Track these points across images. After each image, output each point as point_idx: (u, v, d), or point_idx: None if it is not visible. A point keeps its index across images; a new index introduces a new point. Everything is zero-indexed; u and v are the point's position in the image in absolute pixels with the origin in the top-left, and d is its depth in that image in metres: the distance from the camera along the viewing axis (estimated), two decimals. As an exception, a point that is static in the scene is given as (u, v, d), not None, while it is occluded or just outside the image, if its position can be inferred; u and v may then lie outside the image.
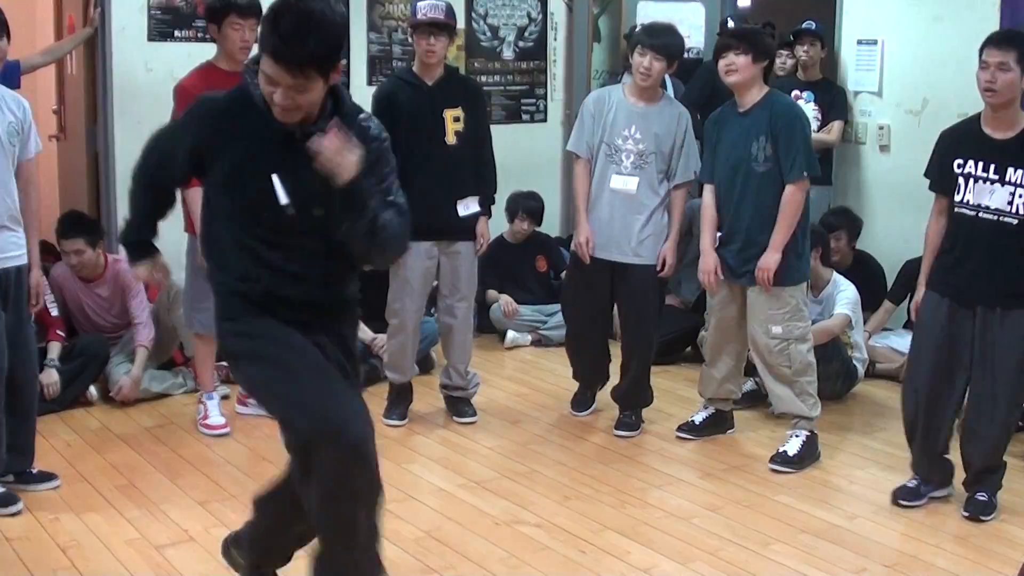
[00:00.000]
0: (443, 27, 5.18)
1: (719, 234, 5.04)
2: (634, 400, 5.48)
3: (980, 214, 4.29)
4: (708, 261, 5.04)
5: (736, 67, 4.86)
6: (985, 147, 4.29)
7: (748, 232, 4.92)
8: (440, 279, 5.45)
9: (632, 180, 5.16)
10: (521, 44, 7.57)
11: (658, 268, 5.23)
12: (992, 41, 4.25)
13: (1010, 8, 6.11)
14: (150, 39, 6.32)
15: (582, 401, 5.69)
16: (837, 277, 5.93)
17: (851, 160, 7.06)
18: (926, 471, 4.59)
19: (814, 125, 6.74)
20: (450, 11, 5.27)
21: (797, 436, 5.00)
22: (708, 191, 5.13)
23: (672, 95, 7.14)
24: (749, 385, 5.79)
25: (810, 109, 6.77)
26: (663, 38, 5.16)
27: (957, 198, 4.35)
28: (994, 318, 4.31)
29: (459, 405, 5.55)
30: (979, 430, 4.43)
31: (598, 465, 5.00)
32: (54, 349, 5.52)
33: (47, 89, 7.67)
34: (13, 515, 4.33)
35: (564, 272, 6.18)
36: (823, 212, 6.95)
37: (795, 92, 6.80)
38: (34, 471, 4.62)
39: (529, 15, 7.58)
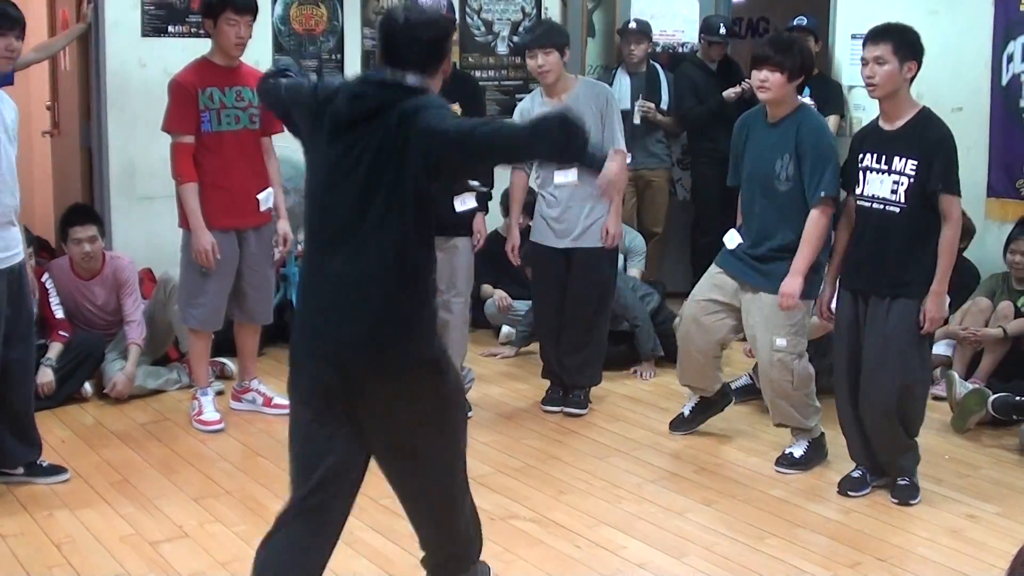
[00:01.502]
0: None
1: (739, 240, 4.92)
2: (585, 379, 5.63)
3: (873, 204, 4.40)
4: None
5: (769, 85, 4.68)
6: (878, 139, 4.42)
7: (769, 251, 4.80)
8: (437, 275, 5.44)
9: (572, 172, 5.35)
10: (515, 39, 7.56)
11: (601, 239, 5.43)
12: (868, 36, 4.37)
13: (1003, 1, 6.11)
14: (143, 35, 6.32)
15: (553, 399, 5.72)
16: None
17: (845, 155, 7.04)
18: (865, 460, 4.64)
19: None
20: (450, 7, 5.30)
21: (801, 441, 4.97)
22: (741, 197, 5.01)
23: (665, 85, 7.22)
24: (744, 380, 5.80)
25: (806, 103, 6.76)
26: (538, 31, 5.46)
27: (858, 191, 4.47)
28: (881, 306, 4.38)
29: None
30: (868, 416, 4.50)
31: (592, 460, 5.00)
32: (54, 349, 5.52)
33: (41, 85, 7.66)
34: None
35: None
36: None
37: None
38: (44, 464, 4.64)
39: (523, 10, 7.58)
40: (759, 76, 4.71)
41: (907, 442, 4.54)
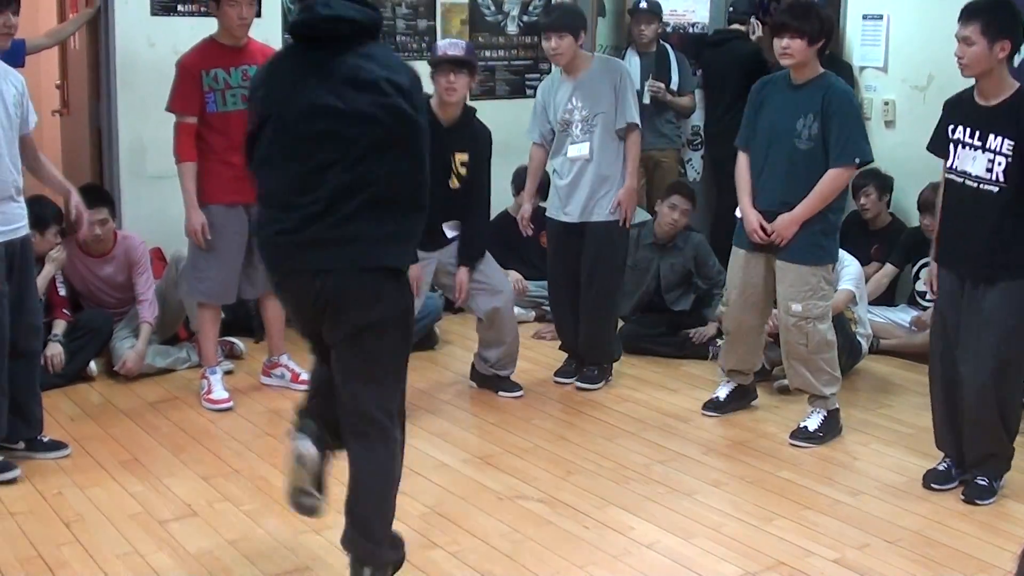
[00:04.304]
0: (463, 64, 5.13)
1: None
2: (597, 354, 5.66)
3: (966, 181, 4.30)
4: (751, 220, 4.91)
5: (791, 51, 4.75)
6: (973, 113, 4.31)
7: (782, 207, 4.83)
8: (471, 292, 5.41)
9: (584, 146, 5.45)
10: (525, 18, 7.52)
11: (611, 211, 5.47)
12: (960, 15, 4.28)
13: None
14: (153, 14, 6.30)
15: (566, 371, 5.77)
16: (841, 253, 5.90)
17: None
18: (953, 451, 4.51)
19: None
20: (470, 49, 5.26)
21: (816, 412, 4.99)
22: (743, 158, 5.03)
23: (675, 65, 7.20)
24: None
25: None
26: (554, 14, 5.56)
27: (947, 164, 4.37)
28: (979, 287, 4.27)
29: (502, 383, 5.57)
30: (971, 410, 4.35)
31: (601, 440, 5.00)
32: (59, 326, 5.52)
33: (50, 64, 7.66)
34: (10, 482, 4.38)
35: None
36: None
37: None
38: (44, 439, 4.65)
39: (534, -11, 7.54)
40: (781, 44, 4.78)
41: (1004, 442, 4.39)
